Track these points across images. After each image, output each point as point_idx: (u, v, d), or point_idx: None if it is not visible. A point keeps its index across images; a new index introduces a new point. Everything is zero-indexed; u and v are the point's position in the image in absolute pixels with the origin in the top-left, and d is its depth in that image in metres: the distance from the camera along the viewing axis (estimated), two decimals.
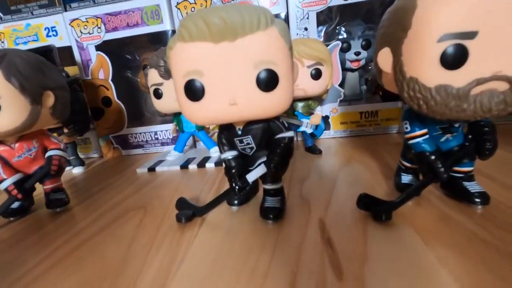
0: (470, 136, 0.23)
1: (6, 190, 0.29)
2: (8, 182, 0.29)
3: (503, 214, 0.22)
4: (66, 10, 0.49)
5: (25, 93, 0.27)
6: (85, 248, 0.24)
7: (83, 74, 0.51)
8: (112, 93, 0.51)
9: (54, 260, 0.22)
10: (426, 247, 0.19)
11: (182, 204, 0.27)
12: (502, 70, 0.17)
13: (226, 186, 0.30)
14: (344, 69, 0.50)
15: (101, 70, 0.50)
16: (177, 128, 0.45)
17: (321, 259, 0.19)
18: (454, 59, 0.17)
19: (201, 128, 0.45)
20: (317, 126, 0.42)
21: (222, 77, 0.20)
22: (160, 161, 0.45)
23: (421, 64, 0.18)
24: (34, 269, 0.21)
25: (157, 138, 0.53)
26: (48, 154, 0.31)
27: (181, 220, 0.26)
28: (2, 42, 0.51)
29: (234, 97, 0.20)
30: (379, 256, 0.18)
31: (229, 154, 0.25)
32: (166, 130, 0.52)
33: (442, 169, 0.22)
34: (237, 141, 0.24)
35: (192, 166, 0.42)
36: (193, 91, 0.20)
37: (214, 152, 0.45)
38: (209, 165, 0.41)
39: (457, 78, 0.18)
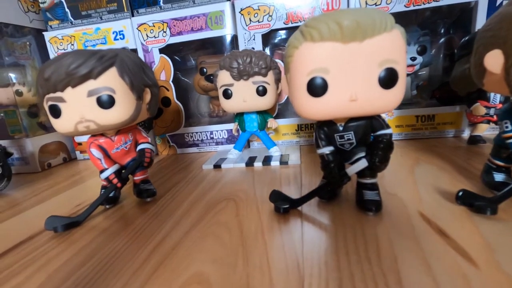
0: None
1: (107, 179, 0.31)
2: (110, 171, 0.31)
3: None
4: (133, 16, 0.52)
5: (133, 90, 0.29)
6: (195, 233, 0.25)
7: None
8: (172, 94, 0.54)
9: (169, 246, 0.24)
10: None
11: (276, 196, 0.28)
12: None
13: (303, 181, 0.31)
14: None
15: (163, 71, 0.53)
16: (239, 127, 0.47)
17: (444, 248, 0.20)
18: None
19: (263, 128, 0.46)
20: None
21: (346, 75, 0.21)
22: (223, 159, 0.46)
23: None
24: (156, 251, 0.23)
25: (212, 138, 0.55)
26: (140, 147, 0.33)
27: (279, 210, 0.27)
28: (72, 44, 0.54)
29: (355, 93, 0.21)
30: (505, 247, 0.19)
31: (327, 149, 0.26)
32: (222, 130, 0.54)
33: None
34: (337, 136, 0.26)
35: (257, 164, 0.43)
36: (317, 88, 0.22)
37: (275, 152, 0.46)
38: (274, 163, 0.43)
39: None
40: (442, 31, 0.52)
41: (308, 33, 0.21)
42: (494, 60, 0.22)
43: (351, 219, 0.25)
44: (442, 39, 0.51)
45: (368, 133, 0.25)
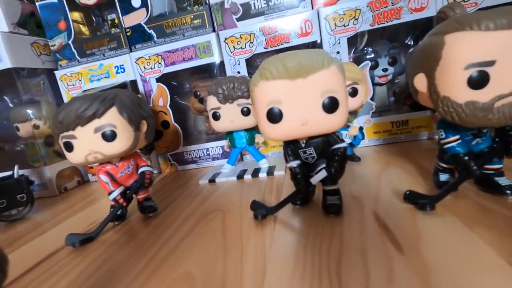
0: (497, 139, 0.28)
1: (114, 199, 0.37)
2: (116, 193, 0.37)
3: None
4: (131, 51, 0.59)
5: (131, 123, 0.35)
6: (187, 240, 0.30)
7: (145, 102, 0.60)
8: (169, 117, 0.60)
9: (165, 253, 0.29)
10: (469, 230, 0.24)
11: (255, 205, 0.33)
12: None
13: (284, 190, 0.36)
14: (374, 84, 0.56)
15: (161, 98, 0.59)
16: (230, 144, 0.52)
17: (382, 239, 0.24)
18: (478, 81, 0.23)
19: (251, 143, 0.51)
20: (355, 137, 0.47)
21: (296, 104, 0.26)
22: (217, 173, 0.52)
23: (452, 86, 0.24)
24: (154, 258, 0.28)
25: (208, 154, 0.60)
26: (141, 170, 0.39)
27: (258, 217, 0.32)
28: (80, 80, 0.61)
29: (305, 119, 0.26)
30: (431, 237, 0.24)
31: (294, 163, 0.31)
32: (217, 146, 0.60)
33: (475, 167, 0.27)
34: (301, 152, 0.31)
35: (247, 176, 0.48)
36: (274, 116, 0.27)
37: (263, 164, 0.51)
38: (262, 175, 0.48)
39: (482, 95, 0.23)
40: (411, 42, 0.56)
41: (263, 74, 0.26)
42: (420, 82, 0.27)
43: (316, 221, 0.30)
44: (410, 50, 0.56)
45: (326, 148, 0.30)
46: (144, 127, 0.37)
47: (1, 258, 0.15)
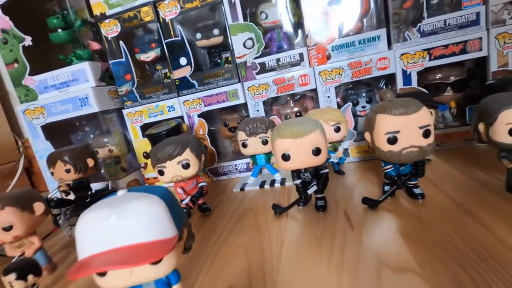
0: (413, 167, 0.49)
1: (186, 203, 0.59)
2: (187, 199, 0.59)
3: (431, 203, 0.47)
4: (179, 95, 0.81)
5: (197, 157, 0.57)
6: (236, 227, 0.52)
7: (190, 132, 0.82)
8: (208, 142, 0.82)
9: (225, 235, 0.51)
10: (396, 219, 0.45)
11: (274, 206, 0.55)
12: (413, 143, 0.44)
13: (292, 195, 0.57)
14: (355, 116, 0.76)
15: (201, 128, 0.81)
16: (253, 162, 0.74)
17: (344, 223, 0.46)
18: (392, 141, 0.44)
19: (268, 161, 0.73)
20: (340, 158, 0.68)
21: (297, 152, 0.47)
22: (245, 183, 0.73)
23: (379, 142, 0.45)
24: (219, 238, 0.50)
25: (236, 168, 0.82)
26: (200, 185, 0.61)
27: (276, 214, 0.53)
28: (141, 116, 0.84)
29: (303, 160, 0.48)
30: (370, 222, 0.45)
31: (298, 181, 0.52)
32: (242, 163, 0.81)
33: (400, 183, 0.48)
34: (301, 175, 0.52)
35: (267, 186, 0.70)
36: (285, 158, 0.48)
37: (277, 177, 0.73)
38: (277, 184, 0.69)
39: (395, 147, 0.44)
40: (382, 86, 0.77)
41: (277, 134, 0.48)
42: (367, 137, 0.48)
43: (311, 215, 0.51)
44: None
45: (316, 172, 0.51)
46: (203, 158, 0.59)
47: (191, 236, 0.36)
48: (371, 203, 0.49)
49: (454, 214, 0.43)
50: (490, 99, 0.45)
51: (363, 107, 0.75)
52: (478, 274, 0.31)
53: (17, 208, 0.45)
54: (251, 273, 0.39)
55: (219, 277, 0.39)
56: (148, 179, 0.90)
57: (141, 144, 0.85)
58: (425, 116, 0.43)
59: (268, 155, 0.72)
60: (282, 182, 0.70)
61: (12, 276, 0.40)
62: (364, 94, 0.76)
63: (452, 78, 0.69)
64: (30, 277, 0.41)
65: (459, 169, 0.58)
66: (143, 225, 0.27)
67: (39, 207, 0.49)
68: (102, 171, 0.85)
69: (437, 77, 0.69)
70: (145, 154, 0.85)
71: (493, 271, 0.31)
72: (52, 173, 0.64)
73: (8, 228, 0.45)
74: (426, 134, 0.43)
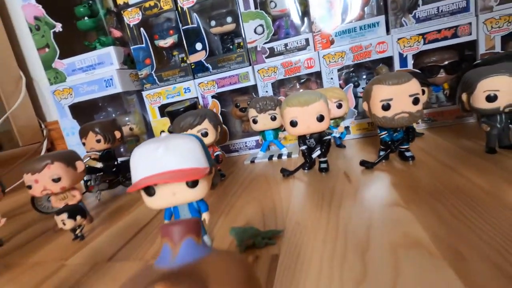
0: (405, 133, 0.56)
1: None
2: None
3: (421, 163, 0.54)
4: (194, 78, 0.89)
5: (214, 128, 0.64)
6: (250, 186, 0.60)
7: None
8: (220, 121, 0.89)
9: (240, 191, 0.58)
10: (389, 175, 0.52)
11: (283, 170, 0.62)
12: (404, 110, 0.51)
13: (297, 165, 0.64)
14: (356, 97, 0.83)
15: (214, 108, 0.89)
16: (262, 138, 0.81)
17: (344, 180, 0.53)
18: (386, 107, 0.51)
19: (276, 137, 0.80)
20: (342, 133, 0.75)
21: (304, 118, 0.55)
22: (255, 157, 0.81)
23: (375, 109, 0.52)
24: (235, 193, 0.58)
25: (246, 146, 0.90)
26: (216, 153, 0.68)
27: (284, 175, 0.61)
28: (159, 97, 0.91)
29: (308, 125, 0.55)
30: (367, 179, 0.52)
31: (303, 147, 0.60)
32: (251, 140, 0.89)
33: (393, 147, 0.55)
34: (307, 141, 0.59)
35: (275, 158, 0.77)
36: (293, 124, 0.55)
37: (284, 151, 0.80)
38: (284, 157, 0.77)
39: (388, 113, 0.51)
40: None
41: (286, 103, 0.55)
42: (365, 106, 0.55)
43: (315, 177, 0.58)
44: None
45: (321, 138, 0.59)
46: (219, 129, 0.67)
47: (217, 174, 0.44)
48: (367, 165, 0.56)
49: (439, 170, 0.50)
50: (470, 72, 0.52)
51: (363, 88, 0.82)
52: (455, 209, 0.38)
53: (63, 163, 0.53)
54: (264, 215, 0.46)
55: (237, 218, 0.47)
56: None
57: (159, 124, 0.92)
58: (414, 86, 0.50)
59: (276, 131, 0.80)
60: (289, 155, 0.77)
61: (64, 215, 0.48)
62: (364, 77, 0.82)
63: (445, 62, 0.75)
64: (78, 218, 0.49)
65: (448, 140, 0.65)
66: (184, 155, 0.35)
67: (80, 165, 0.56)
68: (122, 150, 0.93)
69: (431, 60, 0.76)
70: (162, 133, 0.92)
71: (468, 206, 0.38)
72: (84, 144, 0.72)
73: (57, 180, 0.52)
74: (415, 101, 0.50)
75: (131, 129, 0.92)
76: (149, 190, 0.37)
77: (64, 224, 0.48)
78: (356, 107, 0.82)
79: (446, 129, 0.73)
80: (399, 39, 0.73)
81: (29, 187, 0.52)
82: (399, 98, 0.50)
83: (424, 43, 0.72)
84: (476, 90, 0.49)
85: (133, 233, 0.50)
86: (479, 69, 0.51)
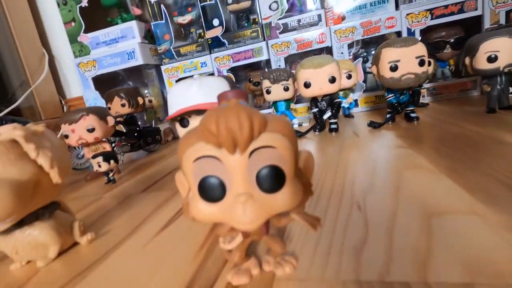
0: (410, 96, 0.60)
1: None
2: None
3: (425, 123, 0.58)
4: (211, 53, 0.94)
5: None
6: None
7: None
8: None
9: None
10: (394, 131, 0.56)
11: (295, 131, 0.67)
12: (410, 71, 0.55)
13: (309, 134, 0.69)
14: (366, 73, 0.87)
15: None
16: (274, 109, 0.86)
17: (354, 136, 0.57)
18: (393, 68, 0.55)
19: (288, 108, 0.85)
20: (350, 103, 0.80)
21: (316, 80, 0.59)
22: None
23: (384, 70, 0.56)
24: None
25: None
26: None
27: (297, 136, 0.65)
28: (177, 71, 0.96)
29: (321, 87, 0.59)
30: (376, 136, 0.56)
31: (315, 109, 0.64)
32: (264, 113, 0.93)
33: (399, 108, 0.59)
34: (318, 103, 0.64)
35: None
36: (306, 85, 0.60)
37: (295, 121, 0.85)
38: (295, 126, 0.81)
39: (396, 74, 0.55)
40: None
41: (301, 66, 0.60)
42: (374, 69, 0.59)
43: (325, 136, 0.63)
44: None
45: (332, 101, 0.63)
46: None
47: None
48: (374, 124, 0.61)
49: (441, 125, 0.54)
50: (473, 37, 0.56)
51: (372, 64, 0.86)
52: (454, 146, 0.42)
53: (97, 116, 0.59)
54: None
55: None
56: None
57: None
58: (421, 48, 0.54)
59: (288, 102, 0.84)
60: (300, 125, 0.81)
61: (100, 158, 0.54)
62: (373, 53, 0.86)
63: (452, 37, 0.79)
64: (112, 162, 0.55)
65: (452, 107, 0.69)
66: (214, 92, 0.40)
67: (111, 120, 0.62)
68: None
69: (438, 35, 0.79)
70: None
71: (466, 144, 0.42)
72: (109, 108, 0.77)
73: (91, 130, 0.58)
74: (421, 63, 0.54)
75: (150, 101, 0.97)
76: (183, 122, 0.42)
77: (99, 166, 0.54)
78: (365, 81, 0.86)
79: (451, 101, 0.77)
80: (407, 14, 0.77)
81: (66, 136, 0.58)
82: (406, 59, 0.54)
83: (432, 18, 0.76)
84: (478, 52, 0.53)
85: (160, 177, 0.55)
86: (481, 33, 0.54)
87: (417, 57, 0.54)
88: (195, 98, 0.40)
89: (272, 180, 0.17)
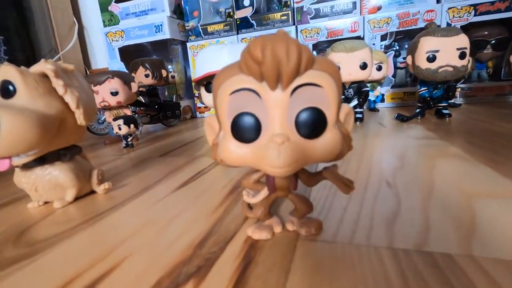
0: (445, 90, 0.56)
1: None
2: None
3: (456, 120, 0.55)
4: (238, 34, 0.92)
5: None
6: None
7: None
8: None
9: None
10: (423, 125, 0.54)
11: None
12: (449, 63, 0.52)
13: None
14: (396, 68, 0.84)
15: None
16: None
17: (378, 127, 0.55)
18: (431, 59, 0.52)
19: None
20: (377, 97, 0.76)
21: (347, 64, 0.57)
22: None
23: (420, 60, 0.53)
24: None
25: None
26: None
27: None
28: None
29: (350, 72, 0.57)
30: (404, 127, 0.54)
31: (341, 97, 0.62)
32: None
33: (431, 103, 0.56)
34: (345, 91, 0.61)
35: None
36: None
37: None
38: None
39: (433, 65, 0.52)
40: None
41: (332, 49, 0.57)
42: (409, 60, 0.56)
43: None
44: None
45: (359, 89, 0.61)
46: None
47: None
48: (402, 117, 0.58)
49: (473, 122, 0.51)
50: None
51: (404, 58, 0.82)
52: (486, 139, 0.39)
53: (121, 80, 0.59)
54: None
55: None
56: (199, 107, 1.02)
57: None
58: (464, 40, 0.51)
59: None
60: None
61: (121, 121, 0.54)
62: (406, 46, 0.82)
63: (494, 37, 0.74)
64: (132, 126, 0.55)
65: (486, 109, 0.65)
66: None
67: (134, 86, 0.62)
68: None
69: (480, 34, 0.75)
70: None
71: (508, 142, 0.39)
72: (133, 77, 0.77)
73: (114, 93, 0.58)
74: (462, 55, 0.51)
75: (172, 76, 0.97)
76: (209, 87, 0.41)
77: (119, 128, 0.54)
78: (394, 75, 0.83)
79: (485, 104, 0.73)
80: (449, 8, 0.73)
81: None
82: (446, 50, 0.51)
83: (475, 15, 0.71)
84: None
85: (178, 146, 0.55)
86: None
87: (458, 49, 0.51)
88: (225, 62, 0.39)
89: (313, 124, 0.16)
